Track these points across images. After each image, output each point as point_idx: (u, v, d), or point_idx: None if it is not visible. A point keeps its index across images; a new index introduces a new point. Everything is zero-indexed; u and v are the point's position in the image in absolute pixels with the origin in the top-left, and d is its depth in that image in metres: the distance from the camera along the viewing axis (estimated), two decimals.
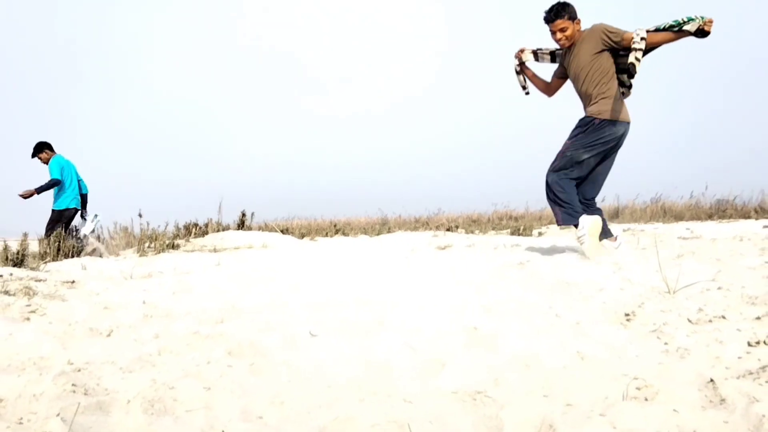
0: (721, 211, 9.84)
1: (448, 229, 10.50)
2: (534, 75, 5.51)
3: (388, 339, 2.77)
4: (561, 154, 5.09)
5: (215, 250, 6.99)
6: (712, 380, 2.01)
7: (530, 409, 1.96)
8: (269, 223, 10.81)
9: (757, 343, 2.34)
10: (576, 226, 4.95)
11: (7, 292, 3.30)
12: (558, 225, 5.21)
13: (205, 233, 8.98)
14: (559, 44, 5.12)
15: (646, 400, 1.93)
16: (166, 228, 8.37)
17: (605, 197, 11.85)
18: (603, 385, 2.11)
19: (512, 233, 8.73)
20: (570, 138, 5.10)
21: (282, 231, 10.05)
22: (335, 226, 12.12)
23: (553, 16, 4.95)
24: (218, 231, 9.18)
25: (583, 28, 5.06)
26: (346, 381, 2.31)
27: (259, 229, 9.85)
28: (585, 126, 5.00)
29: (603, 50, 4.87)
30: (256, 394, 2.16)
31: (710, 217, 9.67)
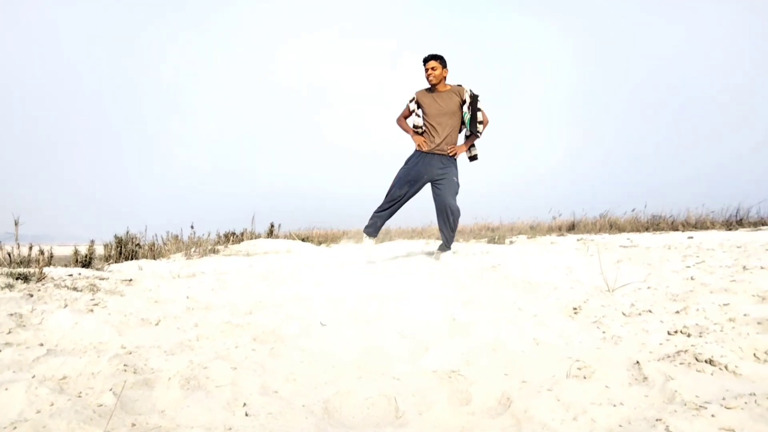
0: (656, 224, 9.81)
1: (437, 239, 10.47)
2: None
3: (385, 328, 2.77)
4: (456, 186, 5.43)
5: (248, 255, 6.99)
6: (638, 362, 2.02)
7: (494, 385, 1.96)
8: (293, 232, 10.79)
9: (676, 332, 2.34)
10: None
11: (75, 288, 3.31)
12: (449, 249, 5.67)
13: (240, 240, 8.98)
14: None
15: (585, 378, 1.93)
16: (208, 236, 8.35)
17: (562, 213, 11.86)
18: (552, 366, 2.12)
19: (489, 242, 8.70)
20: (455, 175, 5.43)
21: (302, 239, 10.05)
22: (347, 234, 12.09)
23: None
24: (251, 239, 9.17)
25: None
26: (348, 362, 2.32)
27: (284, 238, 9.83)
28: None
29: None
30: (274, 372, 2.17)
31: (647, 229, 9.63)
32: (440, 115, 5.36)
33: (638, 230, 9.63)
